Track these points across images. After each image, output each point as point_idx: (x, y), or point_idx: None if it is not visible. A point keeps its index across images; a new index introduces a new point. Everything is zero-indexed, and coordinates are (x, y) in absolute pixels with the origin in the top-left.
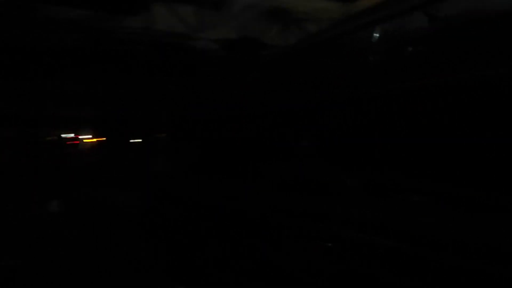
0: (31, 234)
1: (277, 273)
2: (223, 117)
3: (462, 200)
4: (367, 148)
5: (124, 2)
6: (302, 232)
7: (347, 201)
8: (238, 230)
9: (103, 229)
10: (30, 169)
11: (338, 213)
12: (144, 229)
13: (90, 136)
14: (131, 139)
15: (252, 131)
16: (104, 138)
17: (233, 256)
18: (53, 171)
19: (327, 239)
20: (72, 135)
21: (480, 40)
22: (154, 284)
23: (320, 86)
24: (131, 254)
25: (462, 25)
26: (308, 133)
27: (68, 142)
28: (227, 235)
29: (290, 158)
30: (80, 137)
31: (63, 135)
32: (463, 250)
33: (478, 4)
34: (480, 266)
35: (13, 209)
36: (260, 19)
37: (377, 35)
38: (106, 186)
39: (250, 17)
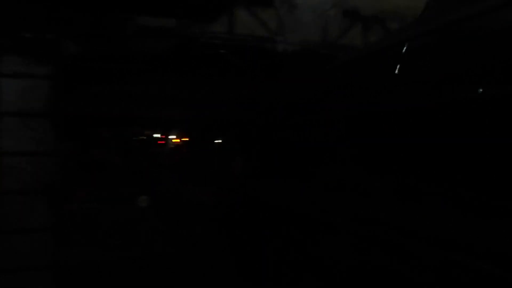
0: (119, 224)
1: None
2: (296, 120)
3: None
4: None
5: (207, 9)
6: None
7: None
8: (305, 232)
9: (180, 223)
10: (124, 166)
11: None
12: (217, 224)
13: (175, 136)
14: (212, 140)
15: (323, 135)
16: (187, 139)
17: (299, 256)
18: (143, 168)
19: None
20: (159, 135)
21: None
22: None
23: (405, 89)
24: (203, 249)
25: None
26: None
27: (159, 142)
28: (296, 236)
29: (356, 163)
30: (166, 137)
31: (154, 135)
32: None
33: None
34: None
35: (107, 202)
36: (340, 20)
37: (466, 32)
38: (187, 183)
39: (330, 19)
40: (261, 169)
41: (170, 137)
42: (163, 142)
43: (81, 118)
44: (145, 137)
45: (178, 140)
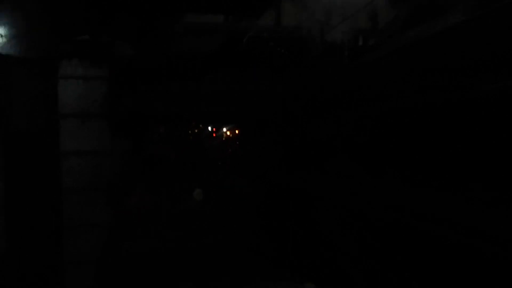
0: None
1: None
2: (340, 115)
3: None
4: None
5: (254, 3)
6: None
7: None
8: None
9: (228, 214)
10: (179, 161)
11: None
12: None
13: (225, 131)
14: (261, 133)
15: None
16: (237, 132)
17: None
18: (196, 162)
19: None
20: (212, 130)
21: None
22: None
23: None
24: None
25: None
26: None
27: (212, 136)
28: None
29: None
30: (218, 131)
31: (209, 129)
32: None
33: None
34: None
35: (164, 196)
36: (388, 5)
37: None
38: (234, 175)
39: (378, 4)
40: (292, 160)
41: (222, 131)
42: (215, 136)
43: (137, 116)
44: (198, 132)
45: (229, 134)
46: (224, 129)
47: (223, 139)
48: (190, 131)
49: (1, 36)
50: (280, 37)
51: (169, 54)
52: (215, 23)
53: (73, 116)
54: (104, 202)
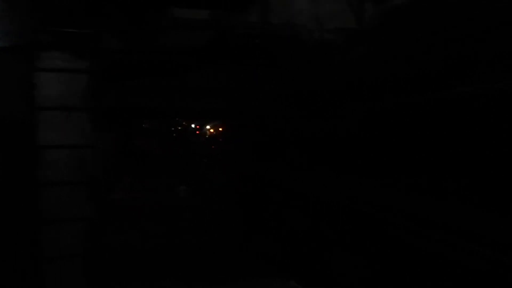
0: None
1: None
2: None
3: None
4: None
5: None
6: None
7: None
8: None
9: (210, 208)
10: (164, 156)
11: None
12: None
13: (208, 127)
14: (246, 130)
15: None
16: (221, 129)
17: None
18: (181, 157)
19: None
20: (193, 125)
21: None
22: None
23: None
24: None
25: None
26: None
27: (197, 132)
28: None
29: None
30: (202, 127)
31: (192, 126)
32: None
33: None
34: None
35: (149, 190)
36: (380, 5)
37: None
38: (216, 170)
39: (369, 5)
40: (265, 154)
41: (206, 128)
42: (198, 133)
43: (123, 110)
44: (183, 128)
45: (213, 131)
46: (208, 127)
47: (207, 136)
48: (173, 128)
49: None
50: (267, 34)
51: (156, 49)
52: (202, 19)
53: (54, 109)
54: (86, 196)
